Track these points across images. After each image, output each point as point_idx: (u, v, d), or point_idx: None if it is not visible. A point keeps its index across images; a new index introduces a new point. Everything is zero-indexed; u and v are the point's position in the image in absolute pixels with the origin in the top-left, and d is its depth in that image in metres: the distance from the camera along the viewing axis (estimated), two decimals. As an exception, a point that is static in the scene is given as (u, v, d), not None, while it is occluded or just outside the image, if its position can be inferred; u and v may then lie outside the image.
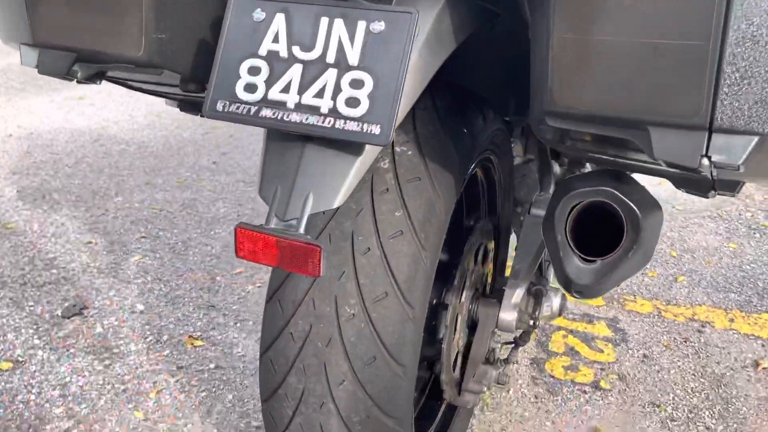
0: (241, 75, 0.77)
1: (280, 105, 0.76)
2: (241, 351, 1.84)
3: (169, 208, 2.71)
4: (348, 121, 0.73)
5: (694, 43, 0.61)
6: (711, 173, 0.68)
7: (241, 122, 0.77)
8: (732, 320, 2.01)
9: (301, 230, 0.75)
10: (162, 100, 1.24)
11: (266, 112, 0.76)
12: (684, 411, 1.65)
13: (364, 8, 0.73)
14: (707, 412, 1.64)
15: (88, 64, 0.93)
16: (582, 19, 0.66)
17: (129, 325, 1.94)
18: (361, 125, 0.72)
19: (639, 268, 0.81)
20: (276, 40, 0.77)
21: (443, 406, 1.36)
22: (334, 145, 0.77)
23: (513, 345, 1.37)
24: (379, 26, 0.73)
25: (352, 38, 0.74)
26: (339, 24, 0.74)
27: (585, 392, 1.71)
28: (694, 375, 1.78)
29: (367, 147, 0.77)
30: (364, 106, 0.72)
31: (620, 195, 0.74)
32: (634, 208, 0.74)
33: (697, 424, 1.60)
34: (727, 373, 1.78)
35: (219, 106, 0.78)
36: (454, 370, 1.24)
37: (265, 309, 0.99)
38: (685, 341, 1.92)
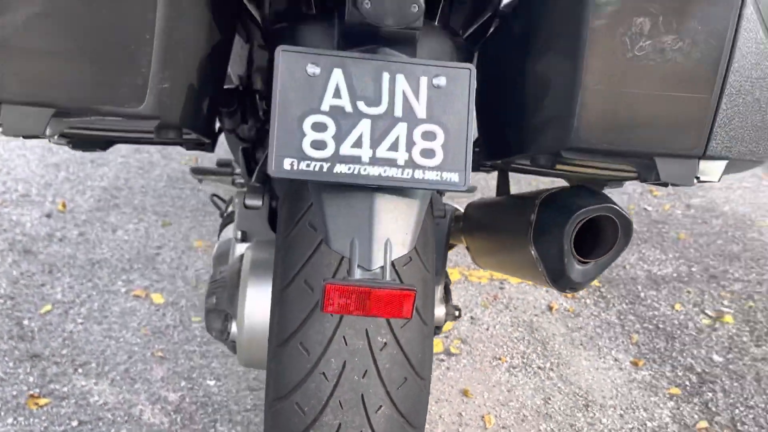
0: (306, 132, 0.76)
1: (355, 159, 0.77)
2: (98, 399, 1.65)
3: None
4: (426, 171, 0.78)
5: (700, 96, 0.81)
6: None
7: (313, 179, 0.76)
8: (520, 274, 2.43)
9: (388, 277, 0.79)
10: None
11: (341, 168, 0.77)
12: (519, 358, 1.98)
13: (424, 64, 0.78)
14: (534, 355, 2.00)
15: (65, 119, 0.80)
16: (611, 75, 0.81)
17: (-61, 401, 1.59)
18: (439, 174, 0.78)
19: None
20: (338, 95, 0.77)
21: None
22: (398, 192, 0.81)
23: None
24: (441, 81, 0.78)
25: (416, 93, 0.78)
26: (401, 79, 0.78)
27: (442, 360, 1.93)
28: (513, 326, 2.13)
29: (423, 192, 0.83)
30: (439, 157, 0.78)
31: (619, 209, 0.93)
32: (629, 218, 0.94)
33: (532, 365, 1.95)
34: (534, 319, 2.17)
35: (287, 164, 0.76)
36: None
37: (275, 354, 0.97)
38: (495, 299, 2.27)
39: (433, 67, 0.78)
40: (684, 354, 2.05)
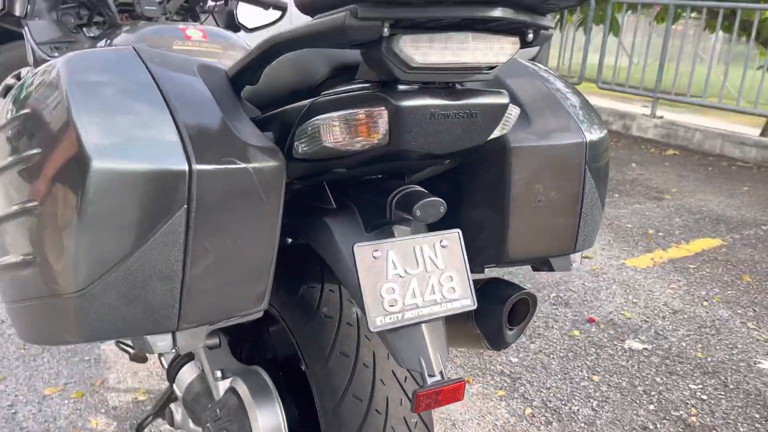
0: (384, 296, 1.13)
1: (414, 306, 1.16)
2: None
3: None
4: (453, 302, 1.21)
5: (570, 221, 1.38)
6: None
7: (395, 326, 1.14)
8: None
9: (445, 377, 1.19)
10: None
11: (408, 314, 1.15)
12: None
13: (433, 236, 1.22)
14: (398, 398, 2.46)
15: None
16: (525, 217, 1.34)
17: None
18: (459, 302, 1.22)
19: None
20: (394, 267, 1.16)
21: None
22: (434, 319, 1.22)
23: None
24: (445, 242, 1.23)
25: (435, 253, 1.21)
26: (426, 247, 1.20)
27: (336, 426, 2.28)
28: (371, 380, 2.56)
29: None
30: (458, 290, 1.21)
31: (530, 291, 1.44)
32: (536, 296, 1.46)
33: (402, 407, 2.40)
34: (383, 370, 2.63)
35: (378, 322, 1.12)
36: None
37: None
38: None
39: (438, 235, 1.22)
40: (493, 363, 2.72)
